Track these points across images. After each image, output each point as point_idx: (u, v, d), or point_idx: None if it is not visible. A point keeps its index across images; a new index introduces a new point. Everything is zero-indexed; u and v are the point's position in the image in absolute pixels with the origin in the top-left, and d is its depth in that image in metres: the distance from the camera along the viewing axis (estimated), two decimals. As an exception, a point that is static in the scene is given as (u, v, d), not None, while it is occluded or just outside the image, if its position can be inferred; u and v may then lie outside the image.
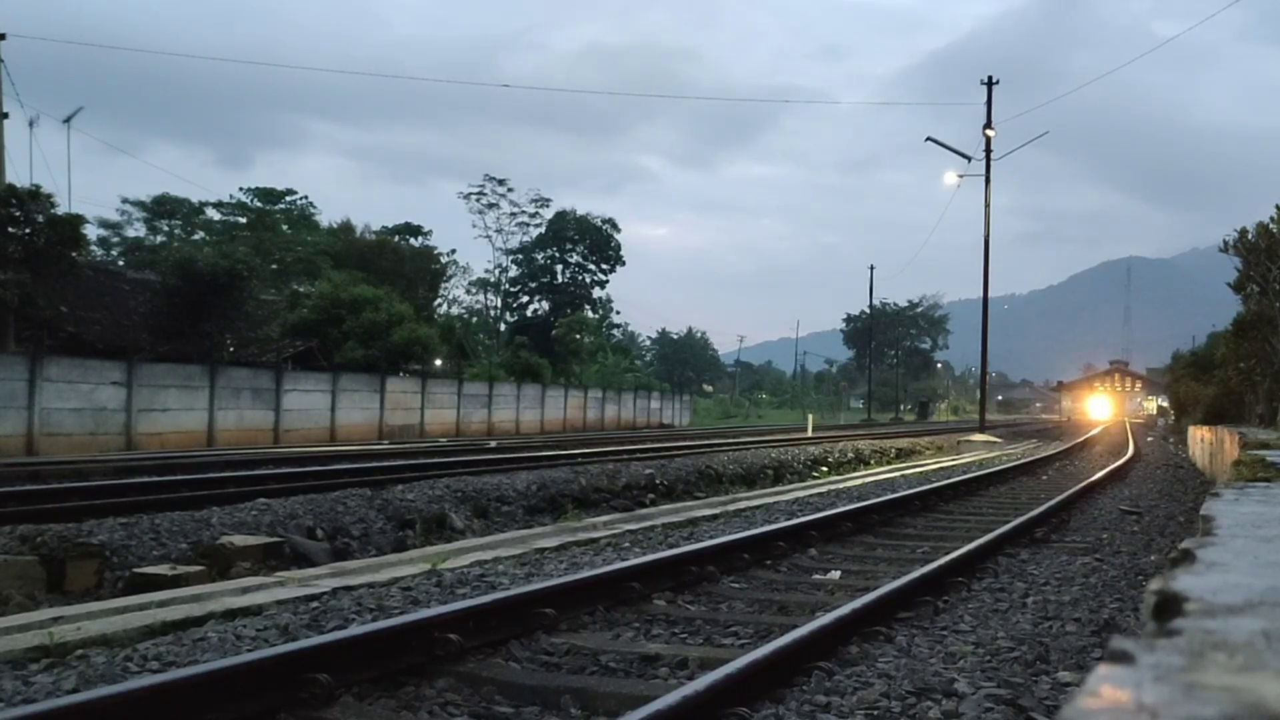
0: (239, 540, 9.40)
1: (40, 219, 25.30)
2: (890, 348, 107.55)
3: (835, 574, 7.74)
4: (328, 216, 63.40)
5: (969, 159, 35.85)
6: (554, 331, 62.61)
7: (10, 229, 24.85)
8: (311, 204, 61.36)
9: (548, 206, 73.38)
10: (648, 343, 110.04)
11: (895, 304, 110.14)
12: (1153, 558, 8.64)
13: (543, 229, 72.78)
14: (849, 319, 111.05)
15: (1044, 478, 18.51)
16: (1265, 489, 4.30)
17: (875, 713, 4.17)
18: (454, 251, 71.27)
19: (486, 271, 72.69)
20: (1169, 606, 1.45)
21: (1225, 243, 26.83)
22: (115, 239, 56.17)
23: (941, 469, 20.02)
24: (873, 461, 25.23)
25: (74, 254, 26.86)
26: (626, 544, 8.95)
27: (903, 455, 28.33)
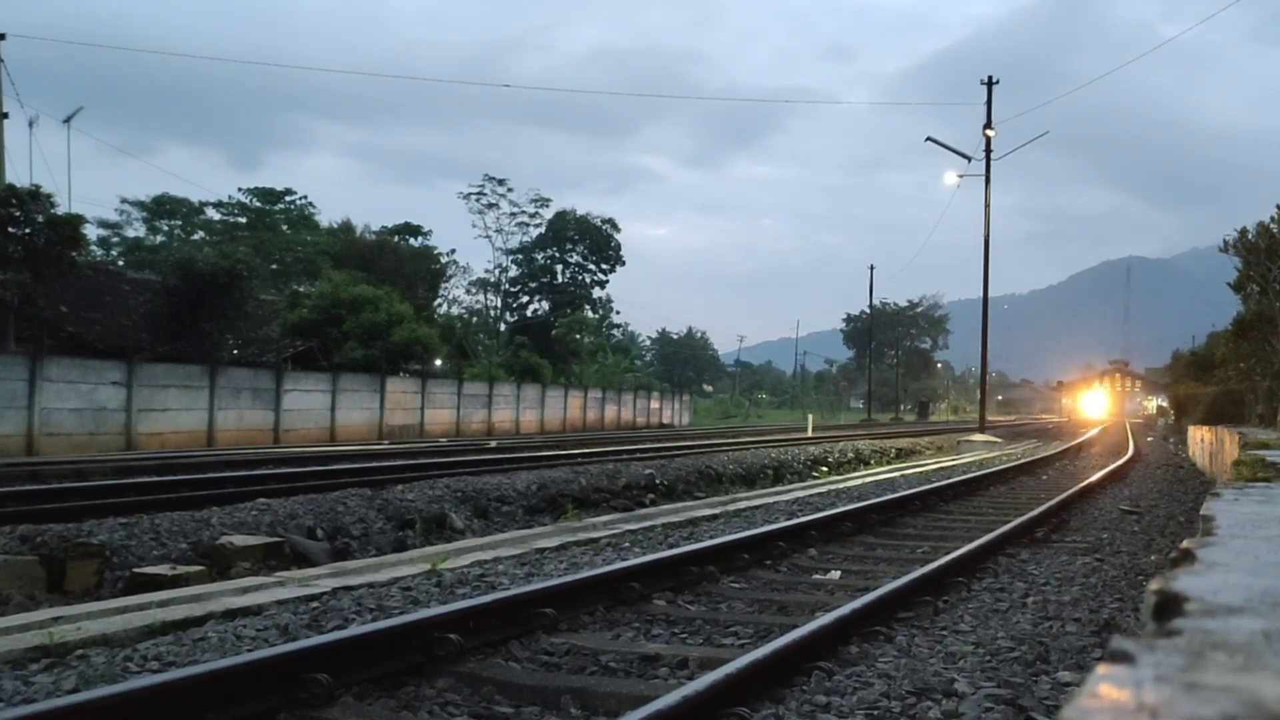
0: (239, 540, 9.40)
1: (40, 219, 25.30)
2: (890, 348, 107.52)
3: (835, 574, 7.74)
4: (334, 216, 63.47)
5: (969, 159, 35.89)
6: (554, 331, 62.58)
7: (10, 229, 24.85)
8: (311, 204, 61.46)
9: (547, 206, 73.45)
10: (648, 343, 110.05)
11: (895, 304, 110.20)
12: (1153, 558, 8.64)
13: (543, 229, 72.80)
14: (849, 319, 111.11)
15: (1044, 478, 18.51)
16: (1265, 489, 4.30)
17: (875, 713, 4.17)
18: (454, 251, 71.33)
19: (486, 271, 72.72)
20: (1169, 606, 1.45)
21: (1225, 243, 26.84)
22: (115, 239, 56.24)
23: (941, 469, 20.02)
24: (873, 461, 25.23)
25: (74, 254, 26.85)
26: (626, 544, 8.95)
27: (903, 455, 28.32)
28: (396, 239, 56.74)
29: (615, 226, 73.60)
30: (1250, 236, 25.88)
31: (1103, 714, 0.93)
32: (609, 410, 52.88)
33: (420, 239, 60.17)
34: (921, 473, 18.76)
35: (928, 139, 36.48)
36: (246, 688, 4.08)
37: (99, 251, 50.30)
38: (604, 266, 73.59)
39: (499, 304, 73.79)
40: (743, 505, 12.39)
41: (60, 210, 25.94)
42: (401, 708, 4.36)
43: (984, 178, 34.73)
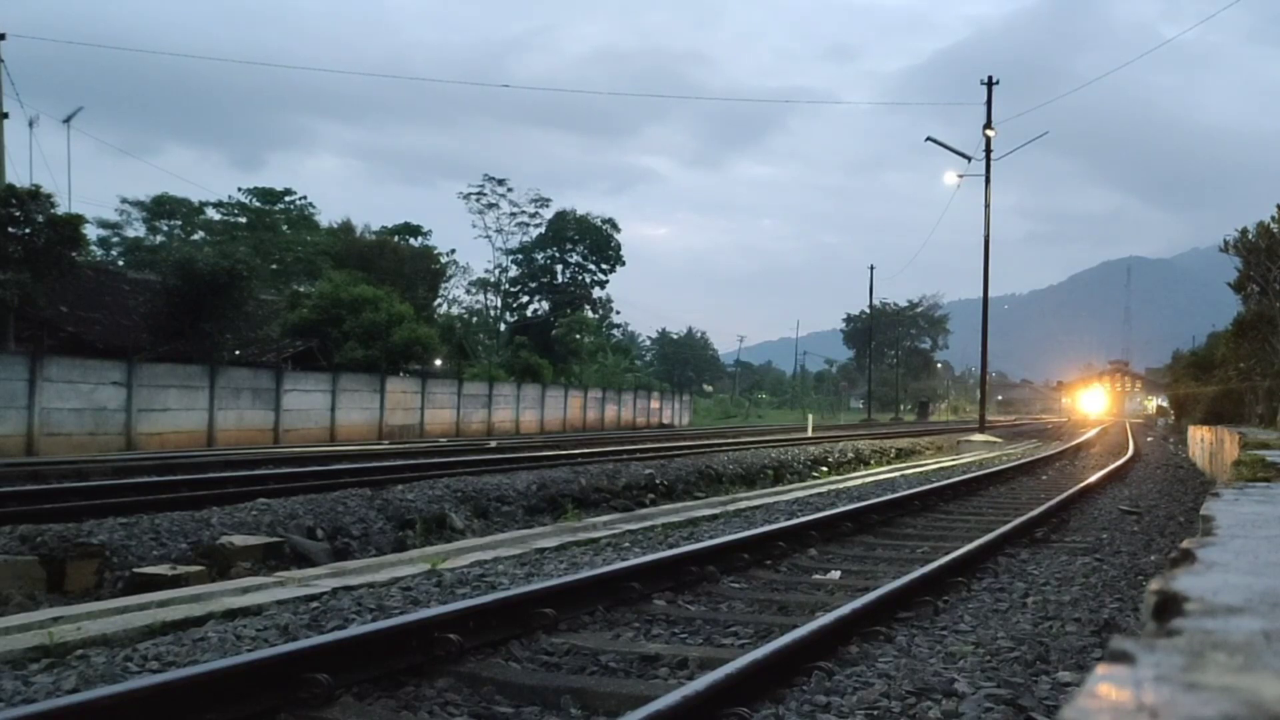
0: (239, 540, 9.40)
1: (40, 219, 25.29)
2: (890, 348, 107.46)
3: (835, 574, 7.73)
4: (334, 216, 63.46)
5: (969, 159, 35.87)
6: (554, 331, 62.58)
7: (10, 229, 24.84)
8: (310, 204, 61.45)
9: (547, 206, 73.47)
10: (648, 343, 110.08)
11: (895, 304, 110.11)
12: (1153, 558, 8.64)
13: (542, 229, 72.81)
14: (849, 319, 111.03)
15: (1044, 478, 18.51)
16: (1265, 489, 4.30)
17: (875, 713, 4.17)
18: (454, 251, 71.39)
19: (486, 271, 72.74)
20: (1169, 606, 1.45)
21: (1225, 243, 26.85)
22: (115, 239, 56.25)
23: (941, 469, 20.02)
24: (873, 461, 25.23)
25: (74, 254, 26.85)
26: (626, 544, 8.95)
27: (903, 455, 28.33)
28: (396, 239, 56.75)
29: (615, 226, 73.62)
30: (1250, 236, 25.89)
31: (1103, 714, 0.93)
32: (609, 410, 52.87)
33: (420, 239, 60.19)
34: (921, 473, 18.75)
35: (928, 139, 36.49)
36: (246, 688, 4.07)
37: (99, 251, 50.30)
38: (604, 266, 73.58)
39: (499, 304, 73.81)
40: (743, 505, 12.38)
41: (60, 210, 25.93)
42: (401, 708, 4.36)
43: (984, 178, 34.73)
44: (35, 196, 25.29)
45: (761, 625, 5.86)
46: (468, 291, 71.51)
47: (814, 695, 4.39)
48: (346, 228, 56.89)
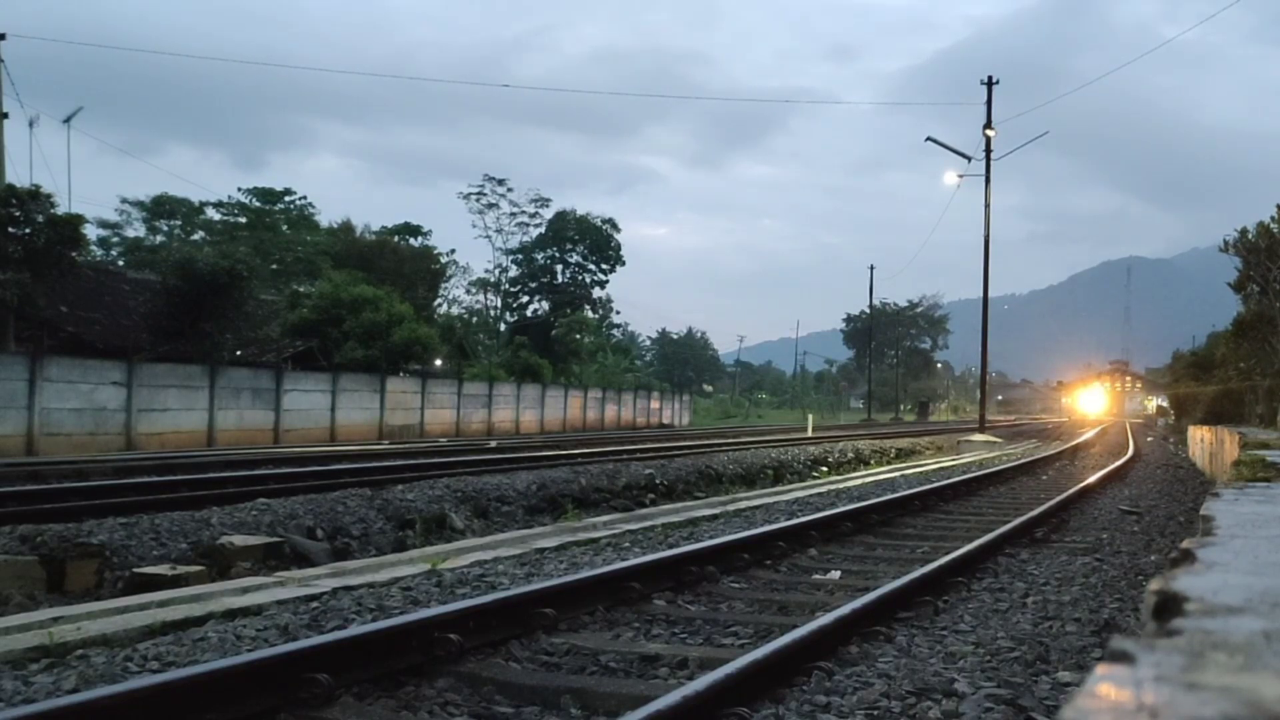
0: (239, 540, 9.40)
1: (40, 219, 25.29)
2: (890, 348, 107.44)
3: (835, 574, 7.73)
4: (335, 216, 63.43)
5: (969, 159, 35.85)
6: (554, 331, 62.57)
7: (10, 229, 24.84)
8: (310, 204, 61.46)
9: (548, 206, 73.48)
10: (648, 343, 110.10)
11: (895, 304, 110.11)
12: (1153, 558, 8.64)
13: (542, 229, 72.82)
14: (849, 319, 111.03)
15: (1044, 478, 18.50)
16: (1265, 489, 4.30)
17: (875, 713, 4.17)
18: (454, 251, 71.40)
19: (486, 271, 72.73)
20: (1169, 606, 1.45)
21: (1225, 243, 26.87)
22: (115, 239, 56.26)
23: (941, 469, 20.02)
24: (873, 461, 25.23)
25: (74, 254, 26.84)
26: (626, 544, 8.95)
27: (903, 455, 28.33)
28: (396, 239, 56.75)
29: (615, 226, 73.64)
30: (1250, 236, 25.91)
31: (1103, 714, 0.93)
32: (609, 410, 52.87)
33: (420, 239, 60.19)
34: (921, 473, 18.75)
35: (928, 139, 36.47)
36: (246, 688, 4.07)
37: (99, 251, 50.30)
38: (604, 266, 73.59)
39: (499, 304, 73.80)
40: (743, 505, 12.38)
41: (60, 210, 25.93)
42: (401, 708, 4.36)
43: (984, 178, 34.73)
44: (35, 196, 25.28)
45: (761, 625, 5.86)
46: (468, 291, 71.56)
47: (814, 695, 4.39)
48: (346, 228, 56.87)
